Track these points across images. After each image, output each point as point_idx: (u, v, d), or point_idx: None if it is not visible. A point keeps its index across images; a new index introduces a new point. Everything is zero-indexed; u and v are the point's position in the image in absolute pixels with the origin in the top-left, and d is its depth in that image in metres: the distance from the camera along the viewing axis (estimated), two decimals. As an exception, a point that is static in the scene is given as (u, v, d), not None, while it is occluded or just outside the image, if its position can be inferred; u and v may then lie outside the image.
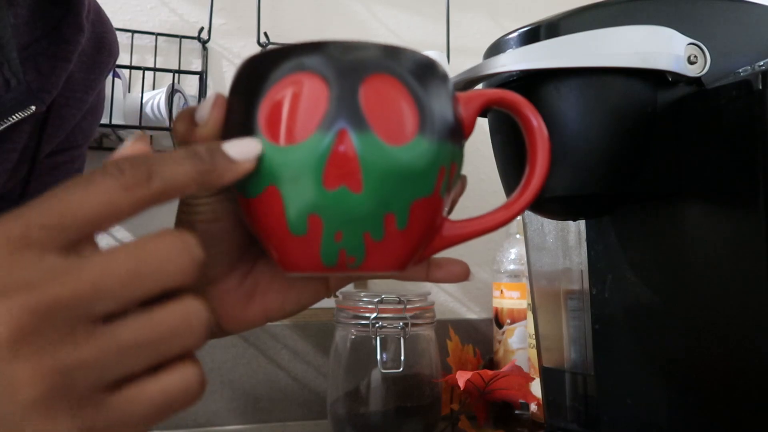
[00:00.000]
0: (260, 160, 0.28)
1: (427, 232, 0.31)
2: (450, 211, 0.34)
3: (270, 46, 0.99)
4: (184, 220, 0.32)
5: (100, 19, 0.50)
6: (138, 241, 0.24)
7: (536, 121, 0.33)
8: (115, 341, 0.23)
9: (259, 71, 0.29)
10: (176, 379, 0.24)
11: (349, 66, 0.28)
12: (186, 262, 0.24)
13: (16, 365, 0.21)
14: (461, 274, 0.35)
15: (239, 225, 0.33)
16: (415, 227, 0.30)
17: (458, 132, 0.31)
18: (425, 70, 0.30)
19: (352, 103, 0.27)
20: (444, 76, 0.31)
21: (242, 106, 0.29)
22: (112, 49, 0.51)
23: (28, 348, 0.21)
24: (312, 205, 0.28)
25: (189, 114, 0.30)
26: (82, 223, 0.23)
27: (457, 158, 0.31)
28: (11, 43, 0.41)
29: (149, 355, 0.24)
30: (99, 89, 0.52)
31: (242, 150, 0.27)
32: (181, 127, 0.30)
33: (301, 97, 0.28)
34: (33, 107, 0.42)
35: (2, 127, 0.40)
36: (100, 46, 0.49)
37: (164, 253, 0.24)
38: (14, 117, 0.41)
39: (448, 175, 0.30)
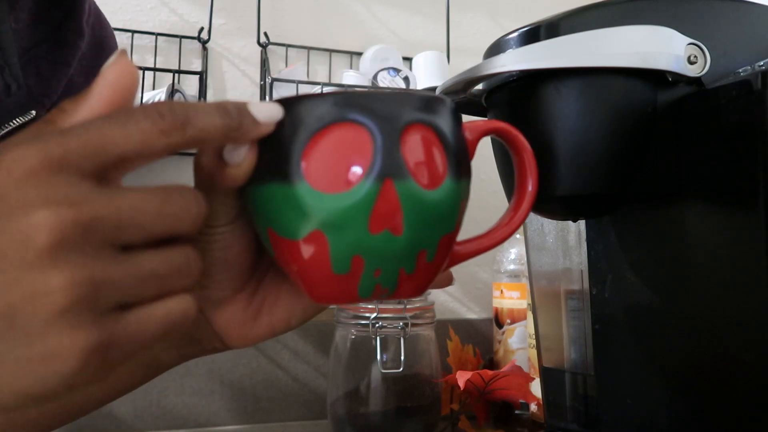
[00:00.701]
0: (305, 205, 0.29)
1: (446, 260, 0.34)
2: None
3: (270, 47, 0.99)
4: (199, 249, 0.32)
5: (100, 23, 0.50)
6: (163, 187, 0.26)
7: (524, 146, 0.36)
8: (136, 267, 0.25)
9: (298, 117, 0.30)
10: (177, 304, 0.27)
11: (389, 116, 0.30)
12: (197, 214, 0.27)
13: (51, 272, 0.22)
14: (446, 281, 0.39)
15: (248, 249, 0.34)
16: (440, 258, 0.33)
17: (468, 165, 0.34)
18: (449, 115, 0.32)
19: (394, 153, 0.29)
20: (459, 115, 0.33)
21: (280, 151, 0.30)
22: (113, 53, 0.51)
23: (65, 258, 0.23)
24: (357, 247, 0.30)
25: (216, 151, 0.30)
26: (117, 158, 0.24)
27: (468, 190, 0.34)
28: (12, 48, 0.41)
29: (159, 285, 0.26)
30: None
31: (267, 113, 0.29)
32: (208, 163, 0.30)
33: (346, 147, 0.29)
34: (33, 112, 0.42)
35: (3, 132, 0.40)
36: (100, 49, 0.49)
37: (183, 202, 0.26)
38: (15, 122, 0.41)
39: (464, 207, 0.33)
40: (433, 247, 0.32)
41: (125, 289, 0.25)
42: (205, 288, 0.34)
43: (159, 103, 0.26)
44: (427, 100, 0.31)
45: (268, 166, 0.30)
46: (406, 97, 0.31)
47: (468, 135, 0.34)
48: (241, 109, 0.28)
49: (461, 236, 0.35)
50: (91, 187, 0.24)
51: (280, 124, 0.30)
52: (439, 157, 0.31)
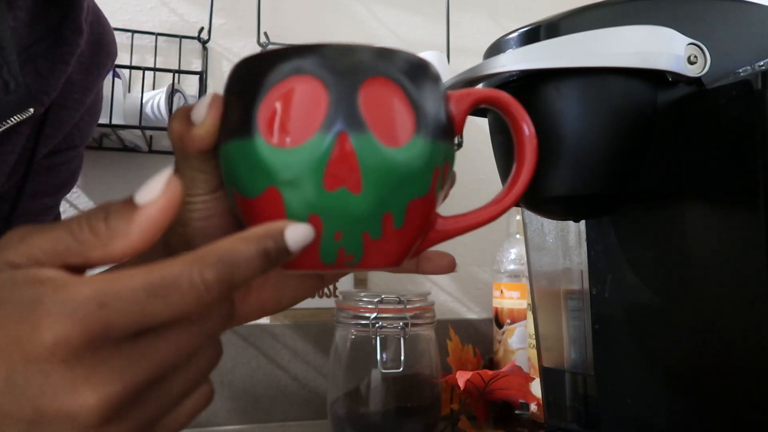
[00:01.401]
0: (260, 161, 0.28)
1: (422, 229, 0.32)
2: (438, 206, 0.35)
3: (270, 46, 0.99)
4: (178, 219, 0.32)
5: (99, 20, 0.50)
6: (195, 333, 0.27)
7: (522, 119, 0.34)
8: (174, 403, 0.28)
9: (257, 72, 0.29)
10: (201, 396, 0.29)
11: (348, 69, 0.28)
12: (218, 357, 0.31)
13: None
14: (448, 266, 0.37)
15: (234, 222, 0.33)
16: (411, 226, 0.30)
17: (450, 131, 0.32)
18: (419, 72, 0.30)
19: (351, 106, 0.28)
20: (437, 77, 0.31)
21: (240, 107, 0.29)
22: (111, 50, 0.51)
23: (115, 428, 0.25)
24: (312, 205, 0.28)
25: (185, 113, 0.31)
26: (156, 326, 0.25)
27: (450, 157, 0.32)
28: (11, 46, 0.41)
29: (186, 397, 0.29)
30: (97, 90, 0.52)
31: (300, 240, 0.27)
32: (177, 126, 0.31)
33: (301, 100, 0.28)
34: (32, 109, 0.42)
35: (1, 130, 0.40)
36: (98, 47, 0.49)
37: (212, 353, 0.30)
38: (13, 119, 0.41)
39: (442, 174, 0.31)
40: (400, 212, 0.30)
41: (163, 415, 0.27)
42: None
43: (203, 264, 0.24)
44: (393, 55, 0.30)
45: (230, 123, 0.30)
46: (368, 50, 0.29)
47: (456, 102, 0.33)
48: (279, 245, 0.26)
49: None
50: (129, 348, 0.24)
51: (242, 81, 0.30)
52: (404, 114, 0.29)
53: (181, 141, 0.30)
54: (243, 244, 0.25)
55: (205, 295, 0.24)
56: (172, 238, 0.33)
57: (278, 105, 0.28)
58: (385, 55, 0.29)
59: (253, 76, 0.29)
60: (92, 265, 0.26)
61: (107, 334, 0.23)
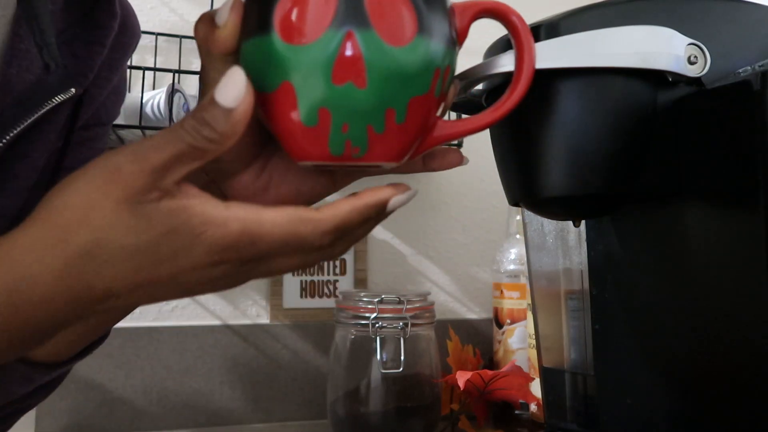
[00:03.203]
0: (276, 57, 0.31)
1: (422, 127, 0.34)
2: (443, 113, 0.37)
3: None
4: None
5: (122, 2, 0.52)
6: None
7: (520, 24, 0.36)
8: None
9: None
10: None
11: None
12: None
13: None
14: (456, 160, 0.39)
15: (255, 123, 0.35)
16: (412, 122, 0.33)
17: (453, 37, 0.34)
18: None
19: (358, 6, 0.30)
20: None
21: (258, 8, 0.32)
22: (135, 31, 0.54)
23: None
24: (322, 99, 0.31)
25: (209, 17, 0.33)
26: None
27: (452, 61, 0.34)
28: (50, 29, 0.43)
29: None
30: (122, 70, 0.54)
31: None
32: (202, 29, 0.33)
33: (311, 1, 0.31)
34: (73, 89, 0.44)
35: (46, 109, 0.42)
36: (124, 27, 0.51)
37: None
38: (57, 98, 0.43)
39: (442, 76, 0.33)
40: (401, 108, 0.32)
41: None
42: (215, 161, 0.36)
43: (325, 232, 0.32)
44: None
45: (249, 24, 0.32)
46: None
47: (460, 13, 0.35)
48: (381, 214, 0.33)
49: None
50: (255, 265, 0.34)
51: None
52: (406, 15, 0.31)
53: (206, 43, 0.33)
54: (357, 215, 0.32)
55: (326, 256, 0.33)
56: None
57: (291, 5, 0.31)
58: None
59: None
60: (204, 163, 0.31)
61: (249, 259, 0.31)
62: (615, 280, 0.50)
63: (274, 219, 0.31)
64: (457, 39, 0.35)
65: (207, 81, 0.35)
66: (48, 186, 0.46)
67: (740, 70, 0.41)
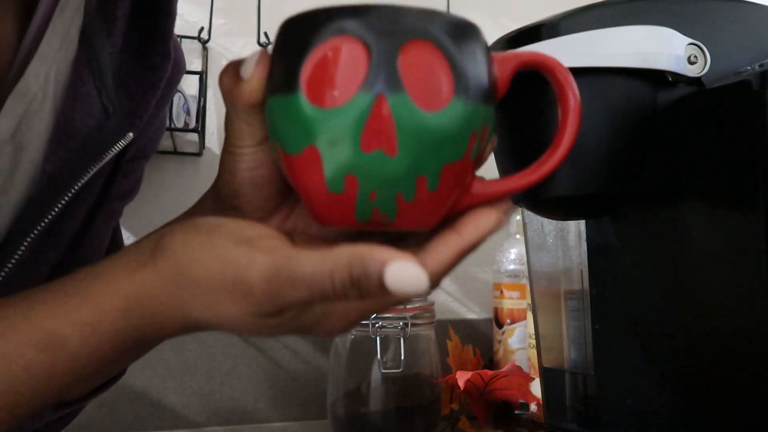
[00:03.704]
0: (301, 119, 0.29)
1: (456, 192, 0.32)
2: (478, 167, 0.35)
3: (270, 47, 0.98)
4: (227, 169, 0.35)
5: (174, 42, 0.51)
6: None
7: (569, 85, 0.33)
8: None
9: (302, 31, 0.30)
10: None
11: (389, 32, 0.29)
12: None
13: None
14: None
15: (278, 173, 0.35)
16: (445, 189, 0.31)
17: (492, 94, 0.32)
18: (463, 34, 0.30)
19: (390, 68, 0.28)
20: (481, 39, 0.32)
21: (285, 65, 0.30)
22: (182, 66, 0.53)
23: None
24: (349, 165, 0.29)
25: (235, 68, 0.33)
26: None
27: (489, 121, 0.32)
28: (109, 72, 0.43)
29: None
30: (168, 105, 0.54)
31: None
32: (227, 81, 0.33)
33: (342, 62, 0.29)
34: (131, 134, 0.43)
35: (111, 156, 0.42)
36: (176, 66, 0.50)
37: None
38: (118, 145, 0.42)
39: (479, 138, 0.31)
40: (434, 175, 0.30)
41: None
42: (237, 209, 0.36)
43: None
44: (436, 17, 0.30)
45: (275, 80, 0.31)
46: (411, 12, 0.29)
47: (499, 65, 0.32)
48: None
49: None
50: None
51: (287, 39, 0.31)
52: (443, 77, 0.29)
53: (230, 95, 0.33)
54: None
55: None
56: (222, 187, 0.36)
57: (320, 65, 0.29)
58: (428, 17, 0.30)
59: (298, 34, 0.30)
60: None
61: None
62: (615, 280, 0.50)
63: (302, 268, 0.29)
64: (497, 93, 0.32)
65: (232, 130, 0.34)
66: (92, 213, 0.46)
67: (740, 70, 0.41)
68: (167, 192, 0.92)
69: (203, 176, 0.94)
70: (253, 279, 0.29)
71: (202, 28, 0.96)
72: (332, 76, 0.29)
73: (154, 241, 0.32)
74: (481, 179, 0.34)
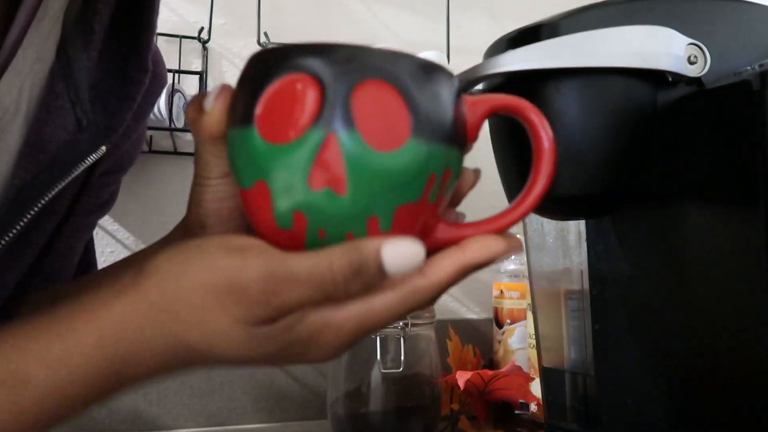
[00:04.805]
0: (253, 153, 0.29)
1: (413, 234, 0.31)
2: (456, 205, 0.35)
3: (270, 46, 0.99)
4: (194, 200, 0.35)
5: (155, 53, 0.51)
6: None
7: (543, 129, 0.32)
8: None
9: (261, 67, 0.30)
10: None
11: (345, 70, 0.28)
12: None
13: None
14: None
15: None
16: (399, 230, 0.30)
17: (457, 137, 0.31)
18: (427, 75, 0.30)
19: (343, 107, 0.28)
20: (447, 80, 0.31)
21: (243, 99, 0.30)
22: (163, 80, 0.53)
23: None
24: (297, 202, 0.29)
25: (199, 100, 0.33)
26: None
27: (453, 164, 0.31)
28: (84, 84, 0.43)
29: None
30: (147, 118, 0.54)
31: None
32: (191, 113, 0.33)
33: (294, 98, 0.28)
34: (104, 147, 0.43)
35: (80, 170, 0.41)
36: (154, 77, 0.50)
37: None
38: (89, 160, 0.42)
39: (439, 181, 0.30)
40: (387, 216, 0.29)
41: None
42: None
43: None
44: (396, 57, 0.29)
45: (235, 112, 0.31)
46: (369, 52, 0.29)
47: (470, 108, 0.32)
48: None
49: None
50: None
51: (249, 73, 0.31)
52: (398, 118, 0.28)
53: (193, 126, 0.33)
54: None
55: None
56: (189, 218, 0.36)
57: (273, 101, 0.29)
58: (390, 58, 0.29)
59: (258, 69, 0.30)
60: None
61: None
62: (615, 280, 0.50)
63: (297, 275, 0.29)
64: (467, 137, 0.32)
65: (198, 162, 0.34)
66: (58, 228, 0.45)
67: (740, 70, 0.41)
68: (167, 192, 0.92)
69: (203, 176, 0.94)
70: (248, 278, 0.28)
71: (202, 28, 0.96)
72: (284, 112, 0.29)
73: (136, 264, 0.31)
74: (448, 223, 0.33)
